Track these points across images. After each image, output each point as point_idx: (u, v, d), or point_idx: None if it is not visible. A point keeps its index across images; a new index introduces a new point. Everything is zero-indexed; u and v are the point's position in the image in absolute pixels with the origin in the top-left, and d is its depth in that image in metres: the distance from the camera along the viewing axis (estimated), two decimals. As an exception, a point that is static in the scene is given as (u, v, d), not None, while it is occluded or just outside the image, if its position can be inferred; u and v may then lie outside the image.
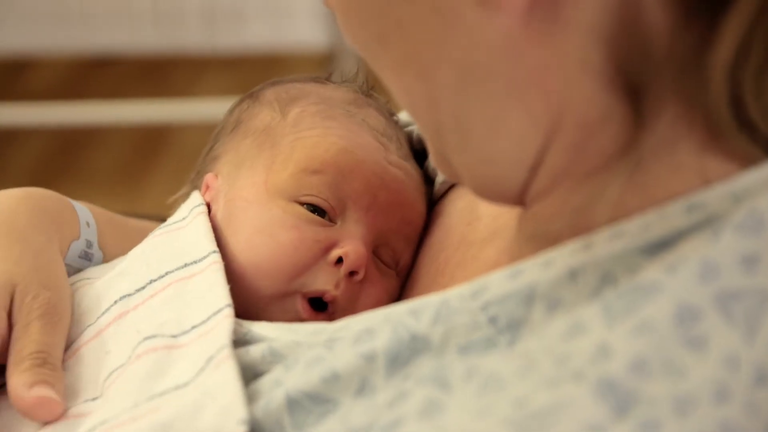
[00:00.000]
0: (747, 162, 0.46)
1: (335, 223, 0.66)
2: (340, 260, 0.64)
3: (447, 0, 0.45)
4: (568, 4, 0.44)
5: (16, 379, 0.57)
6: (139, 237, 0.70)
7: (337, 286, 0.64)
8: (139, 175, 2.65)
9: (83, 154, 2.73)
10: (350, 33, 0.50)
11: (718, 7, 0.43)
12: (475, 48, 0.46)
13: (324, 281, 0.64)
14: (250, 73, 3.01)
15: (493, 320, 0.47)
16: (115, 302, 0.63)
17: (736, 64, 0.43)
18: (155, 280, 0.63)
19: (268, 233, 0.65)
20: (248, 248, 0.65)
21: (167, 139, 2.76)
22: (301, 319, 0.63)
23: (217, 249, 0.64)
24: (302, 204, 0.66)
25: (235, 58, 3.10)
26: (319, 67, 2.77)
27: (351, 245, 0.64)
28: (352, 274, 0.64)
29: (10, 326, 0.60)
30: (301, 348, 0.52)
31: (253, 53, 3.11)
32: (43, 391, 0.57)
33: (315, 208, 0.66)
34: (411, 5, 0.46)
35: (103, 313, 0.62)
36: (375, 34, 0.48)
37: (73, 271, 0.70)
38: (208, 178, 0.72)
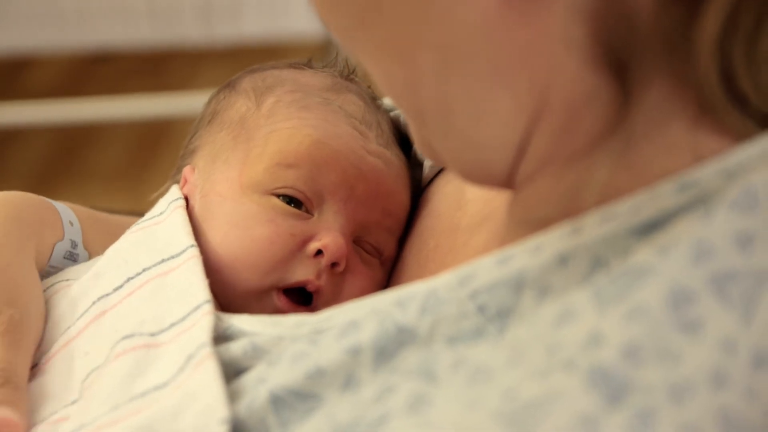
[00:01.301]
0: (740, 137, 0.45)
1: (312, 215, 0.65)
2: (319, 253, 0.63)
3: None
4: None
5: None
6: (123, 234, 0.69)
7: (318, 276, 0.62)
8: (141, 170, 2.64)
9: (84, 151, 2.72)
10: (328, 18, 0.49)
11: None
12: (454, 29, 0.44)
13: (304, 272, 0.62)
14: (247, 64, 2.99)
15: (481, 309, 0.45)
16: (93, 303, 0.62)
17: (724, 35, 0.42)
18: (132, 278, 0.62)
19: (243, 228, 0.63)
20: (224, 243, 0.63)
21: (168, 133, 2.75)
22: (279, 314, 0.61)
23: (194, 243, 0.62)
24: (277, 197, 0.64)
25: (233, 50, 3.09)
26: (316, 56, 2.76)
27: (329, 237, 0.63)
28: (333, 265, 0.63)
29: None
30: (284, 342, 0.51)
31: (250, 44, 3.10)
32: (4, 412, 0.55)
33: (291, 200, 0.64)
34: None
35: (82, 315, 0.61)
36: (353, 18, 0.47)
37: (57, 273, 0.69)
38: (186, 171, 0.71)
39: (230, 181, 0.66)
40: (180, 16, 3.10)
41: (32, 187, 2.25)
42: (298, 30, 3.00)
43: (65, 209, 0.71)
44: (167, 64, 3.06)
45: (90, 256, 0.71)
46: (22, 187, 2.23)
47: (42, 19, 3.09)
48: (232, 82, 0.74)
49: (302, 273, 0.62)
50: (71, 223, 0.71)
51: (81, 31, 3.10)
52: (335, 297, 0.63)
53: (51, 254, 0.69)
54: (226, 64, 3.03)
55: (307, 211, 0.64)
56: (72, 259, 0.70)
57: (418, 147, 0.53)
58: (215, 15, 3.11)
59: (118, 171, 2.65)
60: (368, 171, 0.65)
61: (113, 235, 0.71)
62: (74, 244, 0.71)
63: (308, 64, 0.75)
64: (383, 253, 0.66)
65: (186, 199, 0.68)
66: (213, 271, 0.61)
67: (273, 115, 0.67)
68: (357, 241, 0.65)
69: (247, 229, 0.63)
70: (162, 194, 0.71)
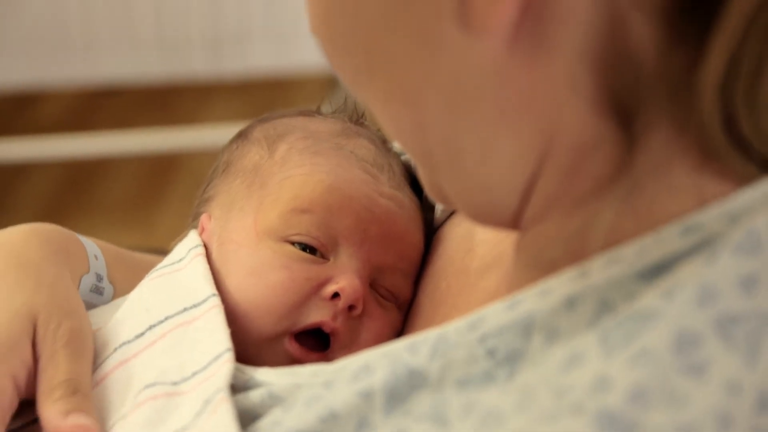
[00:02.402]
0: (743, 181, 0.45)
1: (328, 259, 0.65)
2: (336, 296, 0.63)
3: (432, 25, 0.45)
4: (554, 27, 0.43)
5: (49, 409, 0.57)
6: (146, 271, 0.70)
7: (334, 318, 0.63)
8: (150, 204, 2.65)
9: (93, 185, 2.74)
10: (336, 62, 0.50)
11: (705, 24, 0.42)
12: (461, 73, 0.45)
13: (319, 314, 0.63)
14: (256, 98, 3.02)
15: (491, 353, 0.46)
16: (115, 350, 0.62)
17: (726, 81, 0.43)
18: (155, 326, 0.62)
19: (258, 275, 0.64)
20: (240, 291, 0.64)
21: (176, 167, 2.77)
22: (294, 361, 0.62)
23: (216, 292, 0.63)
24: (292, 243, 0.65)
25: (241, 84, 3.11)
26: (323, 89, 2.77)
27: (346, 279, 0.63)
28: (350, 309, 0.63)
29: (36, 357, 0.60)
30: (301, 390, 0.52)
31: (258, 77, 3.12)
32: (79, 419, 0.56)
33: (305, 247, 0.65)
34: (396, 32, 0.46)
35: (104, 361, 0.62)
36: (361, 63, 0.48)
37: (86, 306, 0.70)
38: (203, 219, 0.71)
39: (246, 228, 0.66)
40: (188, 50, 3.12)
41: (41, 221, 2.26)
42: (305, 64, 3.02)
43: (90, 243, 0.72)
44: (175, 97, 3.08)
45: (115, 291, 0.72)
46: (32, 220, 2.23)
47: (50, 52, 3.11)
48: (243, 132, 0.75)
49: (317, 315, 0.63)
50: (96, 257, 0.72)
51: (89, 64, 3.12)
52: (352, 340, 0.63)
53: (78, 287, 0.69)
54: (234, 98, 3.05)
55: (323, 256, 0.65)
56: (98, 292, 0.71)
57: (427, 190, 0.54)
58: (223, 49, 3.13)
59: (126, 205, 2.67)
60: (381, 214, 0.66)
61: (135, 270, 0.72)
62: (100, 278, 0.71)
63: (318, 111, 0.76)
64: (399, 297, 0.66)
65: (204, 246, 0.69)
66: (230, 319, 0.62)
67: (286, 162, 0.68)
68: (373, 285, 0.66)
69: (263, 276, 0.64)
70: (180, 239, 0.72)
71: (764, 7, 0.41)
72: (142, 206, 2.66)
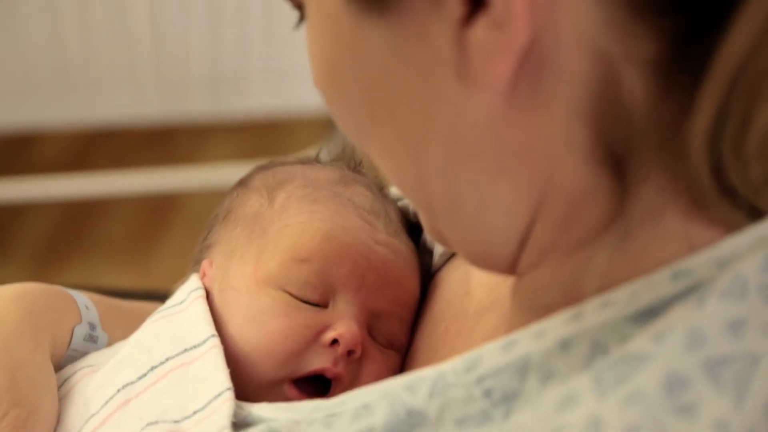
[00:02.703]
0: (731, 228, 0.47)
1: (326, 306, 0.67)
2: (335, 342, 0.65)
3: (432, 80, 0.46)
4: (549, 82, 0.45)
5: None
6: (140, 319, 0.72)
7: (335, 364, 0.64)
8: (148, 244, 2.66)
9: (91, 225, 2.75)
10: (338, 115, 0.52)
11: (695, 78, 0.44)
12: (461, 126, 0.47)
13: (320, 361, 0.64)
14: (253, 138, 3.04)
15: (487, 393, 0.47)
16: (118, 390, 0.64)
17: (714, 133, 0.44)
18: (156, 367, 0.64)
19: (259, 322, 0.66)
20: (241, 337, 0.66)
21: (174, 207, 2.78)
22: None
23: (215, 333, 0.65)
24: (291, 292, 0.67)
25: (239, 124, 3.13)
26: (321, 130, 2.80)
27: (344, 326, 0.65)
28: (350, 353, 0.65)
29: None
30: (300, 426, 0.53)
31: (255, 118, 3.14)
32: None
33: (304, 296, 0.67)
34: (398, 87, 0.47)
35: (107, 402, 0.63)
36: (363, 116, 0.50)
37: (80, 356, 0.72)
38: (205, 265, 0.73)
39: (246, 276, 0.68)
40: (187, 91, 3.15)
41: (40, 261, 2.26)
42: (303, 105, 3.04)
43: (79, 295, 0.74)
44: (174, 138, 3.10)
45: (110, 340, 0.74)
46: (30, 260, 2.23)
47: (49, 93, 3.13)
48: (244, 179, 0.77)
49: (319, 362, 0.64)
50: (87, 307, 0.74)
51: (88, 105, 3.14)
52: (352, 384, 0.64)
53: (71, 339, 0.71)
54: (231, 139, 3.07)
55: (321, 304, 0.67)
56: (92, 340, 0.72)
57: (428, 233, 0.56)
58: (222, 90, 3.16)
59: (124, 245, 2.68)
60: (377, 261, 0.68)
61: (127, 317, 0.74)
62: (93, 326, 0.73)
63: (316, 158, 0.78)
64: (395, 342, 0.68)
65: (206, 290, 0.71)
66: (231, 362, 0.63)
67: (285, 210, 0.70)
68: (370, 331, 0.67)
69: (263, 324, 0.65)
70: (181, 282, 0.74)
71: (749, 62, 0.43)
72: (139, 246, 2.67)
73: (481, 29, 0.44)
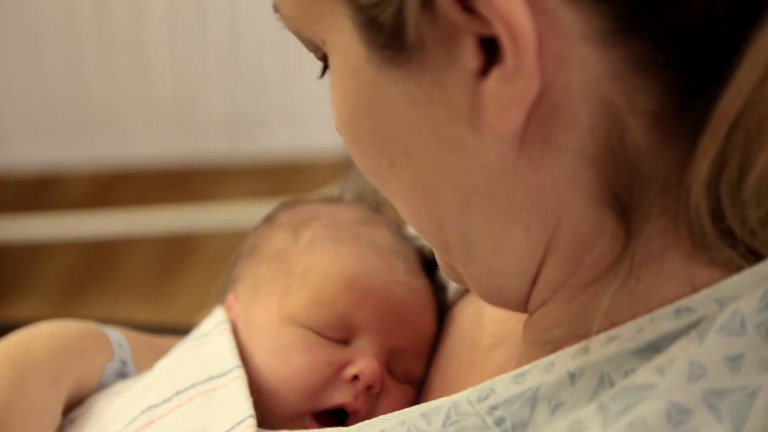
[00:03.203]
0: (730, 268, 0.50)
1: (347, 343, 0.70)
2: (355, 377, 0.68)
3: (449, 129, 0.49)
4: (558, 131, 0.48)
5: None
6: (167, 352, 0.75)
7: (356, 398, 0.67)
8: (167, 282, 2.69)
9: (111, 264, 2.78)
10: (361, 161, 0.55)
11: (694, 128, 0.47)
12: (474, 172, 0.50)
13: (342, 396, 0.67)
14: (271, 179, 3.07)
15: (499, 422, 0.50)
16: (143, 412, 0.67)
17: (712, 180, 0.47)
18: (181, 392, 0.67)
19: (283, 357, 0.69)
20: (266, 371, 0.69)
21: (193, 246, 2.81)
22: None
23: (240, 364, 0.68)
24: (314, 330, 0.70)
25: (257, 165, 3.16)
26: (337, 172, 2.83)
27: (364, 362, 0.68)
28: (369, 388, 0.68)
29: None
30: None
31: (274, 159, 3.17)
32: None
33: (327, 335, 0.69)
34: (417, 135, 0.50)
35: (131, 422, 0.66)
36: (383, 161, 0.53)
37: None
38: (230, 299, 0.76)
39: (270, 312, 0.71)
40: (206, 132, 3.18)
41: (60, 299, 2.27)
42: (320, 147, 3.08)
43: (113, 332, 0.78)
44: (192, 178, 3.13)
45: (138, 373, 0.77)
46: (50, 297, 2.25)
47: (71, 133, 3.17)
48: (270, 216, 0.80)
49: (340, 396, 0.67)
50: (120, 344, 0.77)
51: (109, 145, 3.17)
52: (369, 416, 0.66)
53: (102, 374, 0.75)
54: (250, 179, 3.10)
55: (342, 342, 0.70)
56: (123, 376, 0.76)
57: (443, 270, 0.59)
58: (240, 130, 3.19)
59: (143, 283, 2.70)
60: (397, 303, 0.71)
61: (157, 353, 0.77)
62: (124, 363, 0.77)
63: (340, 197, 0.81)
64: (412, 377, 0.71)
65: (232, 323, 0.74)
66: (255, 393, 0.66)
67: (310, 249, 0.73)
68: (388, 366, 0.70)
69: (287, 359, 0.68)
70: (206, 315, 0.77)
71: (745, 114, 0.46)
72: (158, 284, 2.69)
73: (494, 81, 0.47)
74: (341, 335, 0.70)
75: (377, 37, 0.49)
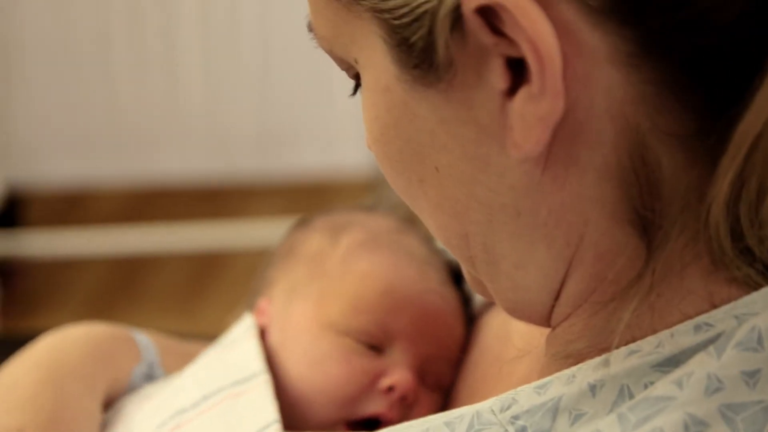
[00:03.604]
0: (748, 286, 0.51)
1: (382, 352, 0.71)
2: (390, 388, 0.69)
3: (476, 148, 0.51)
4: (582, 150, 0.49)
5: None
6: (194, 357, 0.76)
7: (390, 409, 0.69)
8: (195, 298, 2.71)
9: (140, 279, 2.81)
10: (391, 177, 0.56)
11: (716, 150, 0.48)
12: (501, 189, 0.51)
13: (376, 406, 0.69)
14: (300, 197, 3.09)
15: (520, 431, 0.52)
16: (171, 417, 0.68)
17: (732, 200, 0.48)
18: (209, 396, 0.68)
19: (319, 365, 0.70)
20: (300, 378, 0.70)
21: (222, 263, 2.83)
22: None
23: (266, 369, 0.69)
24: (351, 338, 0.71)
25: (286, 183, 3.18)
26: (366, 190, 2.85)
27: (399, 373, 0.69)
28: (403, 398, 0.69)
29: None
30: None
31: (303, 177, 3.19)
32: None
33: (363, 342, 0.71)
34: (446, 153, 0.52)
35: (160, 427, 0.68)
36: (413, 177, 0.54)
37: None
38: (263, 302, 0.77)
39: (306, 317, 0.73)
40: (237, 149, 3.20)
41: (90, 312, 2.30)
42: (348, 165, 3.10)
43: (141, 336, 0.79)
44: (222, 195, 3.16)
45: (166, 376, 0.79)
46: (81, 311, 2.28)
47: (101, 150, 3.20)
48: (305, 220, 0.81)
49: (375, 407, 0.69)
50: (147, 348, 0.79)
51: (141, 162, 3.20)
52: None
53: (130, 377, 0.76)
54: (279, 197, 3.12)
55: (378, 350, 0.71)
56: (151, 379, 0.77)
57: (470, 283, 0.60)
58: (271, 149, 3.21)
59: (171, 299, 2.73)
60: (431, 311, 0.72)
61: (184, 357, 0.79)
62: (152, 366, 0.78)
63: (373, 208, 0.83)
64: (442, 383, 0.72)
65: (262, 329, 0.75)
66: (288, 401, 0.68)
67: (347, 255, 0.75)
68: (420, 373, 0.72)
69: (324, 367, 0.70)
70: (236, 317, 0.78)
71: (764, 135, 0.47)
72: (186, 300, 2.71)
73: (520, 101, 0.48)
74: (377, 342, 0.71)
75: (408, 58, 0.51)
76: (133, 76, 3.11)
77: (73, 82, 3.10)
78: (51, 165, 3.17)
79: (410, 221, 0.81)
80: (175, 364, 0.79)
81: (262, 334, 0.75)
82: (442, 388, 0.72)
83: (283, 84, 3.13)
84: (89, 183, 3.19)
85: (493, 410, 0.53)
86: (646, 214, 0.50)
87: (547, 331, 0.59)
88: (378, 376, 0.70)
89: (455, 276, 0.78)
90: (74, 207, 3.12)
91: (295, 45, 2.95)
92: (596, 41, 0.47)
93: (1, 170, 2.74)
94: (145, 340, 0.79)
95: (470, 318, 0.76)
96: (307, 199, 3.07)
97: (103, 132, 3.18)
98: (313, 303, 0.73)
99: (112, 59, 3.09)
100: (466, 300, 0.77)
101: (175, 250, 2.82)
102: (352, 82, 0.57)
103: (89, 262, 2.83)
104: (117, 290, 2.77)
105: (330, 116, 3.15)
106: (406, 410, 0.69)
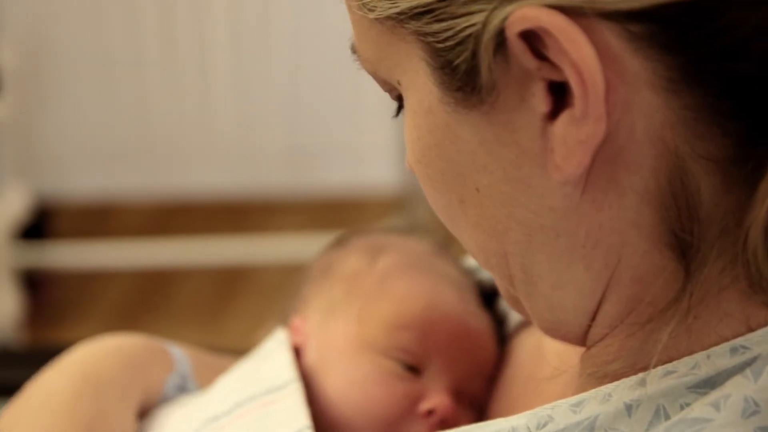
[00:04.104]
0: None
1: (420, 373, 0.72)
2: (429, 411, 0.70)
3: (517, 169, 0.52)
4: (621, 173, 0.50)
5: None
6: (224, 369, 0.77)
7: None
8: (219, 312, 2.72)
9: (165, 292, 2.82)
10: (432, 197, 0.57)
11: (755, 175, 0.49)
12: (540, 211, 0.52)
13: (416, 429, 0.69)
14: (325, 213, 3.10)
15: None
16: (204, 425, 0.69)
17: None
18: (241, 404, 0.69)
19: (360, 387, 0.71)
20: (340, 399, 0.71)
21: (246, 277, 2.85)
22: None
23: (298, 379, 0.70)
24: (392, 358, 0.71)
25: (312, 198, 3.20)
26: (392, 208, 2.86)
27: (438, 398, 0.70)
28: (442, 422, 0.70)
29: None
30: None
31: (328, 193, 3.20)
32: None
33: (403, 363, 0.71)
34: (487, 174, 0.53)
35: None
36: (453, 197, 0.55)
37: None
38: (297, 320, 0.78)
39: (346, 337, 0.73)
40: (265, 165, 3.22)
41: (116, 325, 2.31)
42: (375, 182, 3.11)
43: (173, 347, 0.80)
44: (248, 210, 3.17)
45: (199, 388, 0.80)
46: (107, 323, 2.29)
47: (130, 164, 3.22)
48: (341, 240, 0.82)
49: (415, 430, 0.69)
50: (180, 359, 0.80)
51: (168, 176, 3.22)
52: None
53: (163, 388, 0.77)
54: (306, 213, 3.13)
55: (417, 371, 0.71)
56: (184, 390, 0.78)
57: (508, 302, 0.61)
58: (297, 164, 3.22)
59: (196, 313, 2.74)
60: (469, 331, 0.73)
61: (216, 369, 0.80)
62: (184, 378, 0.79)
63: (408, 231, 0.84)
64: (477, 401, 0.73)
65: (297, 346, 0.76)
66: (327, 422, 0.68)
67: (386, 274, 0.75)
68: (457, 394, 0.72)
69: (364, 389, 0.70)
70: (266, 331, 0.79)
71: None
72: (210, 314, 2.73)
73: (562, 125, 0.49)
74: (415, 362, 0.71)
75: (451, 80, 0.51)
76: (165, 91, 3.13)
77: (105, 96, 3.13)
78: (80, 178, 3.19)
79: (442, 245, 0.82)
80: (208, 376, 0.80)
81: (297, 352, 0.75)
82: (476, 406, 0.73)
83: (312, 101, 3.15)
84: (117, 196, 3.21)
85: (528, 427, 0.54)
86: (685, 237, 0.51)
87: (581, 350, 0.59)
88: (417, 399, 0.70)
89: (486, 298, 0.78)
90: (102, 219, 3.14)
91: (324, 63, 2.97)
92: (637, 66, 0.48)
93: (31, 182, 2.76)
94: (178, 351, 0.80)
95: (502, 338, 0.77)
96: (333, 216, 3.08)
97: (132, 146, 3.20)
98: (353, 322, 0.74)
99: (144, 74, 3.11)
100: (498, 321, 0.77)
101: (201, 263, 2.83)
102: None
103: (116, 274, 2.85)
104: (142, 302, 2.79)
105: (357, 134, 3.16)
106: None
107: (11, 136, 2.45)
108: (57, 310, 2.75)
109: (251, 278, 2.84)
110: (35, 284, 2.75)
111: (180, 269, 2.85)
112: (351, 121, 3.15)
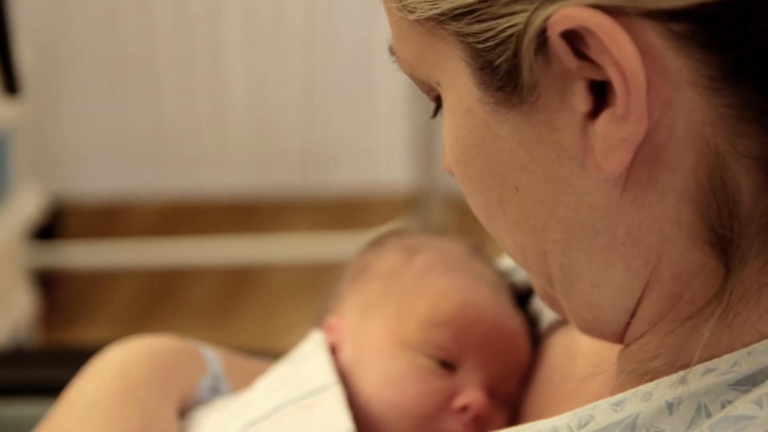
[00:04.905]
0: None
1: (455, 370, 0.72)
2: (464, 407, 0.70)
3: (557, 168, 0.52)
4: (662, 171, 0.50)
5: None
6: (260, 373, 0.77)
7: (465, 429, 0.70)
8: (230, 312, 2.73)
9: (175, 292, 2.83)
10: (470, 197, 0.57)
11: None
12: (580, 209, 0.52)
13: (452, 425, 0.70)
14: (337, 213, 3.11)
15: None
16: (243, 427, 0.69)
17: None
18: (280, 408, 0.69)
19: (396, 385, 0.71)
20: (376, 396, 0.71)
21: (257, 277, 2.85)
22: None
23: (338, 381, 0.70)
24: (428, 355, 0.72)
25: (324, 198, 3.20)
26: (404, 208, 2.86)
27: (473, 394, 0.70)
28: (477, 417, 0.70)
29: None
30: None
31: (340, 193, 3.20)
32: None
33: (438, 360, 0.72)
34: (526, 173, 0.53)
35: None
36: (492, 197, 0.55)
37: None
38: (334, 319, 0.78)
39: (383, 335, 0.74)
40: (278, 165, 3.22)
41: (126, 324, 2.32)
42: (387, 182, 3.11)
43: (205, 349, 0.80)
44: (261, 211, 3.17)
45: (231, 390, 0.80)
46: (118, 322, 2.29)
47: (143, 165, 3.23)
48: (377, 240, 0.82)
49: (449, 426, 0.70)
50: (212, 361, 0.80)
51: (180, 176, 3.23)
52: None
53: (196, 390, 0.77)
54: (317, 213, 3.13)
55: (452, 368, 0.72)
56: (216, 391, 0.78)
57: (545, 301, 0.61)
58: (310, 164, 3.23)
59: (206, 312, 2.75)
60: (504, 330, 0.74)
61: (247, 371, 0.80)
62: (217, 379, 0.79)
63: (441, 233, 0.84)
64: (511, 399, 0.73)
65: (332, 346, 0.76)
66: (363, 419, 0.69)
67: (424, 273, 0.76)
68: (491, 391, 0.73)
69: (401, 386, 0.71)
70: (302, 330, 0.80)
71: None
72: (220, 313, 2.73)
73: (603, 124, 0.49)
74: (451, 359, 0.72)
75: (492, 80, 0.52)
76: (178, 92, 3.14)
77: (119, 97, 3.13)
78: (93, 178, 3.20)
79: (477, 246, 0.82)
80: (238, 378, 0.80)
81: (333, 350, 0.76)
82: (510, 404, 0.73)
83: (325, 101, 3.15)
84: (130, 196, 3.22)
85: (570, 426, 0.54)
86: (725, 234, 0.51)
87: (618, 349, 0.59)
88: (452, 395, 0.71)
89: (519, 300, 0.79)
90: (115, 219, 3.15)
91: (338, 63, 2.97)
92: (679, 65, 0.48)
93: (45, 183, 2.77)
94: (209, 352, 0.80)
95: (535, 339, 0.77)
96: (345, 216, 3.09)
97: (146, 146, 3.21)
98: (389, 320, 0.74)
99: (158, 75, 3.12)
100: (531, 322, 0.78)
101: (213, 263, 2.84)
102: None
103: (128, 274, 2.85)
104: (154, 302, 2.80)
105: (370, 134, 3.16)
106: (480, 429, 0.70)
107: (25, 138, 2.45)
108: (69, 310, 2.76)
109: (263, 278, 2.85)
110: (48, 284, 2.75)
111: (192, 269, 2.86)
112: (364, 121, 3.15)
